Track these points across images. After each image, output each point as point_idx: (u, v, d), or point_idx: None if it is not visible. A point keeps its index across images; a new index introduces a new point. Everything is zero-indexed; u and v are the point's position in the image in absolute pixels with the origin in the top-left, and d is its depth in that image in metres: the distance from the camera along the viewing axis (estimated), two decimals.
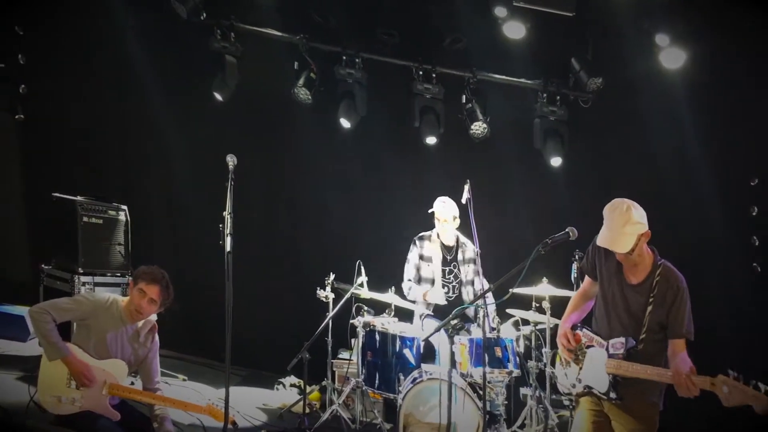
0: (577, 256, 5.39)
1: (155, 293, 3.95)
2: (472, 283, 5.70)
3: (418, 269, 5.73)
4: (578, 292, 3.93)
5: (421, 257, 5.72)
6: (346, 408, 5.56)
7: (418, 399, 4.69)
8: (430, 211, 5.68)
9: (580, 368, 3.62)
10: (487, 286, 5.29)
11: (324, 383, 5.79)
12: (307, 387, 5.32)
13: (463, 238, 5.77)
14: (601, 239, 3.43)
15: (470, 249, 5.75)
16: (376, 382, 5.10)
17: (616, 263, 3.53)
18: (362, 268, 5.37)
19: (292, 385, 6.23)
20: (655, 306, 3.38)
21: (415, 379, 4.76)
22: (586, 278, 3.81)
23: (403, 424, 4.71)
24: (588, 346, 3.61)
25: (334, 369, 5.90)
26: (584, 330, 3.70)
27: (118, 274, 5.84)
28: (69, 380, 3.82)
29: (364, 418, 5.32)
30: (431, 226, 5.79)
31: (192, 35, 6.38)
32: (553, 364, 5.03)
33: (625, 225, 3.33)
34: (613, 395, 3.43)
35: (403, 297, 5.65)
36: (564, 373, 3.74)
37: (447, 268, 5.73)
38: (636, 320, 3.45)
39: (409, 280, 5.71)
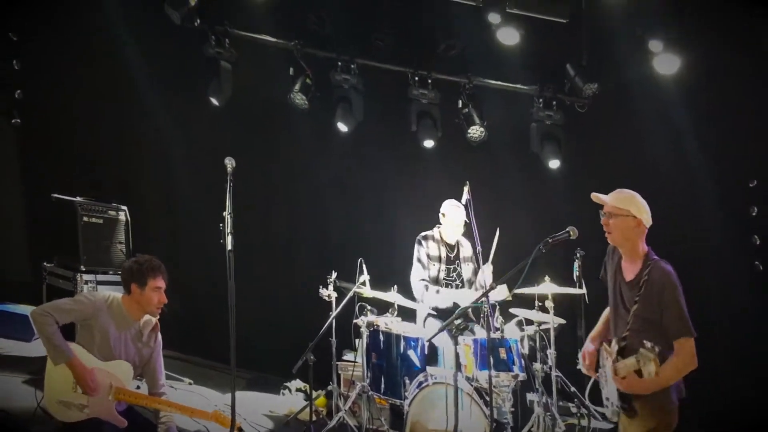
0: (578, 255, 5.42)
1: (164, 280, 4.01)
2: (470, 282, 5.72)
3: (428, 269, 5.66)
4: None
5: (428, 256, 5.67)
6: (353, 415, 5.48)
7: (425, 404, 4.61)
8: (441, 213, 5.67)
9: (606, 385, 3.51)
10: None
11: (330, 388, 5.71)
12: (313, 392, 5.23)
13: (461, 237, 5.77)
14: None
15: (468, 248, 5.78)
16: (382, 386, 5.02)
17: (618, 260, 3.53)
18: (364, 266, 5.31)
19: (298, 390, 6.14)
20: (642, 302, 3.29)
21: (421, 383, 4.68)
22: None
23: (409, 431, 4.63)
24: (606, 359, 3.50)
25: (340, 372, 5.81)
26: (603, 345, 3.57)
27: (120, 272, 5.77)
28: (75, 385, 3.75)
29: (370, 426, 5.24)
30: (430, 228, 5.80)
31: (190, 38, 6.35)
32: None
33: (623, 193, 3.44)
34: (625, 405, 3.30)
35: (410, 297, 5.57)
36: (605, 396, 3.55)
37: (451, 267, 5.72)
38: (627, 317, 3.39)
39: (423, 279, 5.58)
